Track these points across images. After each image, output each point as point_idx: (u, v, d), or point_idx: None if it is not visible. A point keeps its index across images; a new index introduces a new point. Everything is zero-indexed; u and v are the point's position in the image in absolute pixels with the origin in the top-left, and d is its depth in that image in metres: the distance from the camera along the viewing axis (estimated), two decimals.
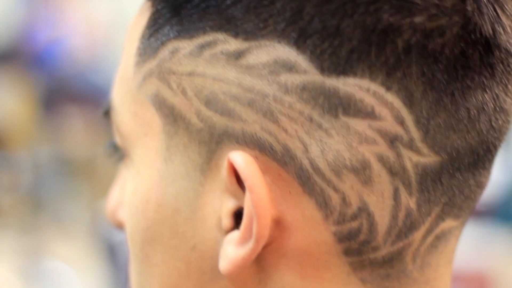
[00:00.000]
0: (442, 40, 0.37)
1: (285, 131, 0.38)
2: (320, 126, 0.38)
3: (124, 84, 0.44)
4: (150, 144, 0.42)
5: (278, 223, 0.39)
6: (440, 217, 0.40)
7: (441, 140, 0.38)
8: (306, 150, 0.38)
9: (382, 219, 0.39)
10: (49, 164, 3.28)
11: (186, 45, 0.40)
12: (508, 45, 0.39)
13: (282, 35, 0.37)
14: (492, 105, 0.39)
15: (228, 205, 0.40)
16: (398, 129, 0.38)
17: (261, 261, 0.40)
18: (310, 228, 0.39)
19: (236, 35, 0.38)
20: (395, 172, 0.38)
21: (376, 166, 0.38)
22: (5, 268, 2.62)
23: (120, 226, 0.48)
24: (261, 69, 0.38)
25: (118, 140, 0.45)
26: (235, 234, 0.40)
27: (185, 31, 0.40)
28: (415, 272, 0.41)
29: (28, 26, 3.53)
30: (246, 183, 0.38)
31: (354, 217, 0.39)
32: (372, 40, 0.37)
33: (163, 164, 0.42)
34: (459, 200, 0.41)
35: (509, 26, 0.39)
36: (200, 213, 0.41)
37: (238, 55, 0.38)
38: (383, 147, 0.38)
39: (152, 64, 0.41)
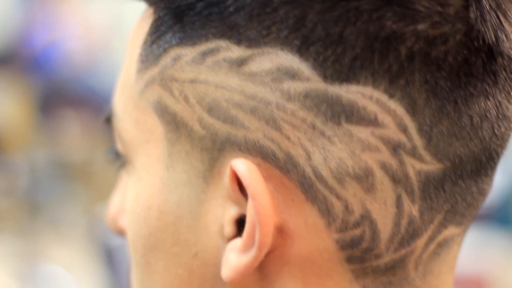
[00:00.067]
0: (445, 48, 0.37)
1: (288, 138, 0.38)
2: (322, 134, 0.38)
3: (125, 91, 0.44)
4: (152, 151, 0.42)
5: (280, 231, 0.39)
6: (443, 225, 0.40)
7: (444, 148, 0.38)
8: (308, 157, 0.38)
9: (385, 227, 0.39)
10: (46, 168, 3.27)
11: (188, 52, 0.40)
12: (511, 52, 0.39)
13: (285, 43, 0.37)
14: (494, 112, 0.39)
15: (231, 212, 0.40)
16: (401, 137, 0.38)
17: (264, 268, 0.40)
18: (312, 236, 0.39)
19: (238, 42, 0.38)
20: (398, 179, 0.38)
21: (378, 174, 0.38)
22: (2, 272, 2.61)
23: (121, 233, 0.48)
24: (263, 76, 0.38)
25: (119, 147, 0.45)
26: (238, 241, 0.39)
27: (188, 38, 0.40)
28: (417, 279, 0.41)
29: (25, 29, 3.53)
30: (249, 191, 0.38)
31: (357, 224, 0.39)
32: (375, 48, 0.37)
33: (165, 171, 0.41)
34: (462, 207, 0.41)
35: None
36: (202, 221, 0.41)
37: (240, 62, 0.38)
38: (385, 155, 0.38)
39: (154, 71, 0.41)
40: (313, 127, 0.38)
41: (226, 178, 0.39)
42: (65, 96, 3.38)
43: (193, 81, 0.40)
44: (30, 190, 3.17)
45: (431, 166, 0.38)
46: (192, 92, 0.40)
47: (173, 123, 0.41)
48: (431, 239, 0.40)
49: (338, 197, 0.38)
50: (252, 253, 0.39)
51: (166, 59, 0.40)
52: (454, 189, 0.40)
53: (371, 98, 0.37)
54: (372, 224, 0.39)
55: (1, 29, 3.53)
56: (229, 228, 0.40)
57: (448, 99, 0.38)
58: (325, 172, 0.38)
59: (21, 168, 3.20)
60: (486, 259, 2.10)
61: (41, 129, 3.36)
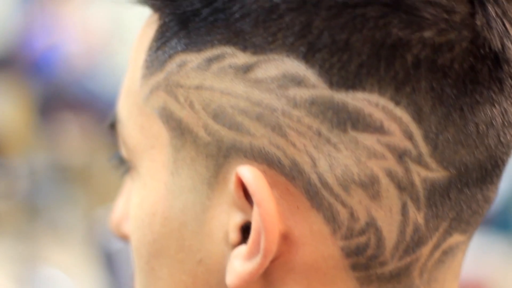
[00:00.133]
0: (451, 55, 0.37)
1: (294, 145, 0.38)
2: (328, 141, 0.37)
3: (130, 97, 0.43)
4: (157, 157, 0.42)
5: (285, 238, 0.39)
6: (448, 232, 0.40)
7: (450, 155, 0.38)
8: (314, 164, 0.38)
9: (390, 234, 0.39)
10: (45, 171, 3.27)
11: (194, 58, 0.40)
12: None
13: (291, 49, 0.37)
14: (500, 120, 0.39)
15: (236, 219, 0.40)
16: (406, 144, 0.38)
17: (268, 275, 0.40)
18: (317, 243, 0.39)
19: (244, 48, 0.38)
20: (403, 187, 0.38)
21: (384, 181, 0.38)
22: (1, 275, 2.61)
23: (125, 239, 0.48)
24: (269, 83, 0.38)
25: (124, 152, 0.45)
26: (243, 248, 0.39)
27: (193, 44, 0.40)
28: (422, 287, 0.41)
29: (25, 32, 3.53)
30: (254, 198, 0.38)
31: (362, 232, 0.39)
32: (381, 55, 0.37)
33: (170, 177, 0.41)
34: (467, 215, 0.40)
35: None
36: (207, 227, 0.41)
37: (246, 69, 0.38)
38: (391, 162, 0.38)
39: (159, 77, 0.41)
40: (319, 134, 0.37)
41: (231, 185, 0.39)
42: (64, 99, 3.38)
43: (198, 88, 0.39)
44: (30, 194, 3.16)
45: (437, 173, 0.38)
46: (197, 98, 0.40)
47: (178, 129, 0.41)
48: (436, 246, 0.40)
49: (343, 204, 0.38)
50: (257, 260, 0.39)
51: (172, 65, 0.40)
52: (459, 197, 0.39)
53: (377, 105, 0.37)
54: (378, 231, 0.39)
55: (1, 32, 3.53)
56: (234, 235, 0.40)
57: (454, 106, 0.38)
58: (330, 179, 0.38)
59: (20, 172, 3.20)
60: (486, 264, 2.10)
61: (41, 132, 3.35)
